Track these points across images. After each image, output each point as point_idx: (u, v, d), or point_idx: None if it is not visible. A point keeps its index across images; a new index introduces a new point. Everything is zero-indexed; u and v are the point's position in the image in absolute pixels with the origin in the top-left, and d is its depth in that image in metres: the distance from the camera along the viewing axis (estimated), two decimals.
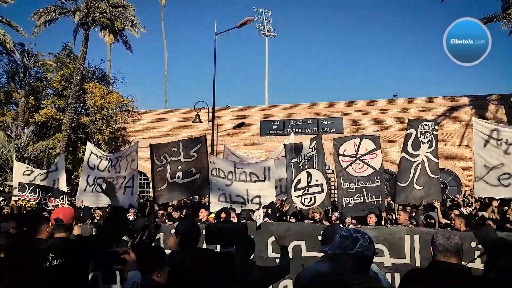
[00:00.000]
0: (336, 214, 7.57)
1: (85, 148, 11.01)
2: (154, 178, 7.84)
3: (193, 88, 70.21)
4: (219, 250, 3.11)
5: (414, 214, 7.49)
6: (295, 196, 8.01)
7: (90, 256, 2.74)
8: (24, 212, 8.26)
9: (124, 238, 4.61)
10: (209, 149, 10.56)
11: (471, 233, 4.97)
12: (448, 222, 6.50)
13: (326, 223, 6.28)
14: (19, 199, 8.57)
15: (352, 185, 7.66)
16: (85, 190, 9.08)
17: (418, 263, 4.57)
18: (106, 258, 3.11)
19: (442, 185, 15.59)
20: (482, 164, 7.09)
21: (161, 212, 7.84)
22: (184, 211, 8.50)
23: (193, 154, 7.85)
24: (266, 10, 29.07)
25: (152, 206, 9.33)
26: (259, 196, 7.94)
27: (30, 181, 9.53)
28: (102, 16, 19.27)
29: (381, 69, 70.18)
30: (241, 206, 7.73)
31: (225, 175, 8.11)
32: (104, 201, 8.72)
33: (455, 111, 17.27)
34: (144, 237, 4.25)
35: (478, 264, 4.31)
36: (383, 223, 7.13)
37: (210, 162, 8.07)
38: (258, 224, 5.05)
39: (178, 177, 7.75)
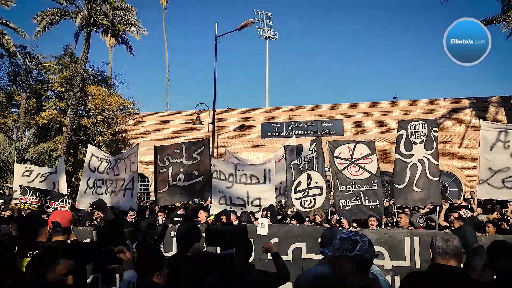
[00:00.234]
0: (336, 216, 7.56)
1: (85, 150, 11.03)
2: (156, 180, 7.84)
3: (194, 90, 70.39)
4: (218, 252, 3.12)
5: (411, 217, 7.47)
6: (295, 199, 8.02)
7: (88, 259, 2.73)
8: (25, 214, 8.25)
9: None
10: (210, 151, 10.57)
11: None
12: (448, 224, 6.50)
13: (327, 225, 6.28)
14: (20, 202, 8.57)
15: (349, 188, 7.67)
16: (85, 192, 9.08)
17: (418, 266, 4.57)
18: (106, 259, 3.10)
19: (442, 188, 15.61)
20: (487, 167, 7.04)
21: (161, 214, 7.85)
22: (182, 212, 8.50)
23: (196, 156, 7.84)
24: (266, 12, 29.19)
25: (152, 208, 9.34)
26: (259, 198, 7.94)
27: (28, 182, 9.51)
28: (104, 19, 19.32)
29: (382, 72, 70.27)
30: (241, 209, 7.73)
31: (226, 178, 8.11)
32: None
33: (455, 113, 17.26)
34: (147, 238, 4.27)
35: None
36: (383, 227, 7.13)
37: (211, 165, 8.07)
38: (263, 234, 5.04)
39: (179, 179, 7.74)
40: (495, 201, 9.11)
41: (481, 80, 64.65)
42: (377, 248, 3.94)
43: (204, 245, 2.81)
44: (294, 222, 7.29)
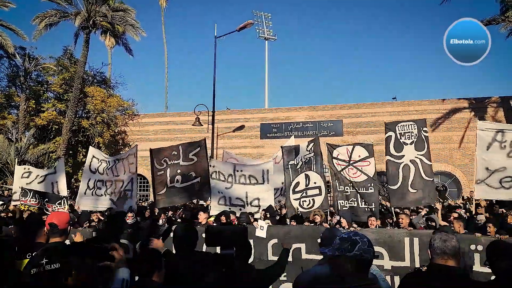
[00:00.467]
0: (337, 217, 7.57)
1: (85, 152, 11.03)
2: (154, 182, 7.86)
3: (193, 91, 70.42)
4: (218, 252, 3.12)
5: (412, 217, 7.49)
6: (294, 199, 8.02)
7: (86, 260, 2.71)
8: (24, 216, 8.25)
9: (124, 241, 4.62)
10: (209, 152, 10.57)
11: (471, 236, 4.99)
12: (447, 225, 6.50)
13: (326, 225, 6.28)
14: (21, 204, 8.57)
15: (347, 189, 7.72)
16: (85, 193, 9.07)
17: (417, 266, 4.57)
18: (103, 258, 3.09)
19: (442, 188, 15.62)
20: (484, 167, 7.06)
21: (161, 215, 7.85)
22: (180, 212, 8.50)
23: (192, 157, 7.87)
24: (265, 13, 29.22)
25: (152, 209, 9.34)
26: (258, 199, 7.95)
27: (27, 183, 9.50)
28: (103, 20, 19.33)
29: (381, 72, 70.38)
30: (240, 209, 7.73)
31: (225, 178, 8.13)
32: (104, 204, 8.72)
33: (454, 114, 17.29)
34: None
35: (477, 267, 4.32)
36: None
37: (210, 166, 8.08)
38: (261, 236, 5.05)
39: (177, 181, 7.76)
40: (494, 201, 9.13)
41: (480, 80, 64.81)
42: (376, 248, 3.93)
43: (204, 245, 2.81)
44: (293, 223, 7.29)
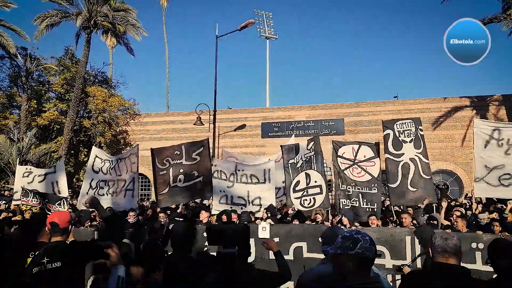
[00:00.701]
0: (339, 216, 7.56)
1: (86, 151, 11.04)
2: (156, 182, 7.86)
3: (195, 91, 70.47)
4: (218, 251, 3.12)
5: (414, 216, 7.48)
6: (294, 198, 8.02)
7: (86, 259, 2.72)
8: (26, 216, 8.27)
9: (125, 241, 4.63)
10: (210, 151, 10.57)
11: (472, 234, 4.98)
12: (449, 223, 6.49)
13: (328, 224, 6.28)
14: (22, 204, 8.60)
15: (349, 188, 7.70)
16: (87, 193, 9.08)
17: (419, 265, 4.57)
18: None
19: (444, 186, 15.59)
20: (483, 165, 7.08)
21: (162, 215, 7.85)
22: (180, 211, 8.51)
23: (196, 157, 7.88)
24: (266, 13, 29.22)
25: (154, 209, 9.34)
26: (259, 198, 7.96)
27: (28, 183, 9.53)
28: (104, 20, 19.35)
29: (382, 71, 70.25)
30: (242, 208, 7.75)
31: (227, 177, 8.14)
32: (105, 204, 8.73)
33: (456, 112, 17.25)
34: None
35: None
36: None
37: (212, 165, 8.09)
38: (265, 237, 5.06)
39: (180, 180, 7.78)
40: (495, 199, 9.10)
41: (482, 78, 64.68)
42: (378, 247, 3.94)
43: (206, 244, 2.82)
44: (296, 222, 7.29)
